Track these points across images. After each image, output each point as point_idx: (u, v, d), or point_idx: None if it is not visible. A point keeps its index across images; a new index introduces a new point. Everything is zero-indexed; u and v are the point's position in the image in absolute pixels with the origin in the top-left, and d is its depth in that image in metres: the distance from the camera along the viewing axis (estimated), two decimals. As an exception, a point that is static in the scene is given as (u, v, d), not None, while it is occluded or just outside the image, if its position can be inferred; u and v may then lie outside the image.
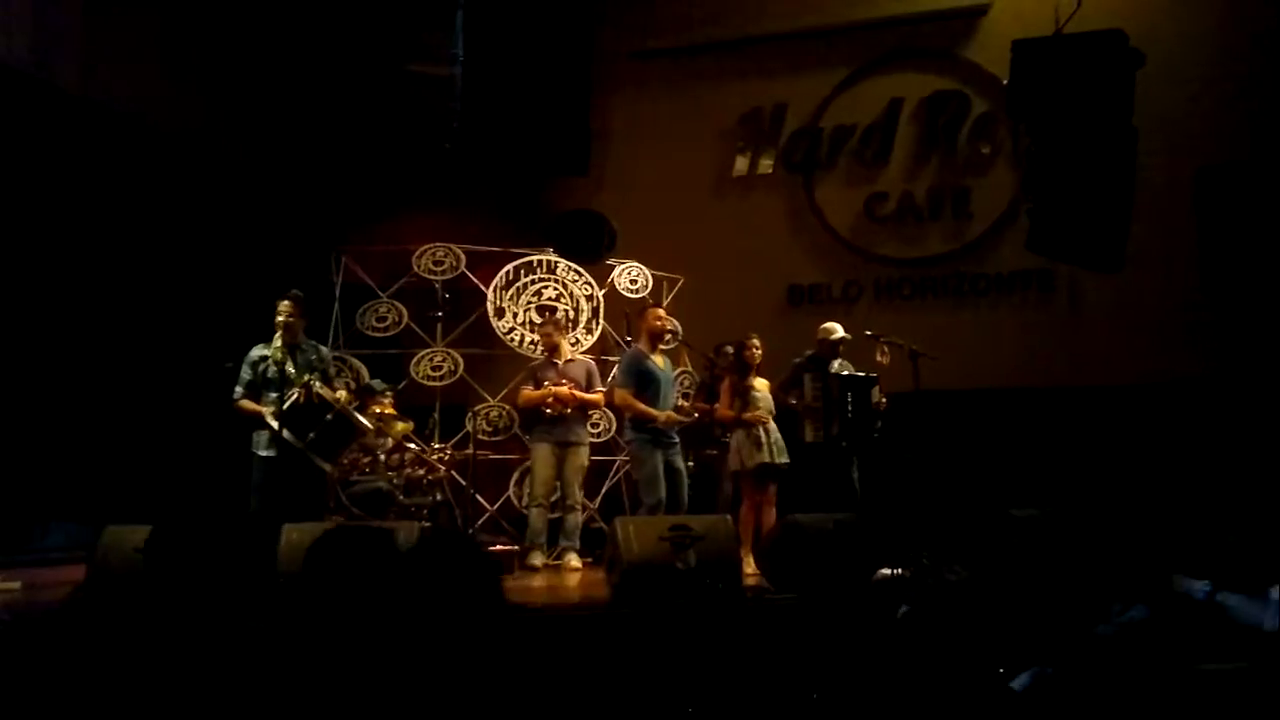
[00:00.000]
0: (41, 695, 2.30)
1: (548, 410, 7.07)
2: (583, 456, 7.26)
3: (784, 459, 6.93)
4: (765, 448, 6.87)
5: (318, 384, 5.81)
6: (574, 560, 7.06)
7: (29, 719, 2.29)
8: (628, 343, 7.67)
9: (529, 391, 7.18)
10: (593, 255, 8.71)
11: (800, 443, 7.06)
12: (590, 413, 7.61)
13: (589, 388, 7.27)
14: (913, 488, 6.62)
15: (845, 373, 7.11)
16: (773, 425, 7.00)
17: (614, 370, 7.19)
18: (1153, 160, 6.81)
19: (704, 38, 10.20)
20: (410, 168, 9.24)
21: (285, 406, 5.68)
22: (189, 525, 2.81)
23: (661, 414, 6.81)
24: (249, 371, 5.98)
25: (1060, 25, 5.97)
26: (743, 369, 7.05)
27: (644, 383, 6.85)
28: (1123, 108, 5.86)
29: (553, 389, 7.08)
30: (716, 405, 7.14)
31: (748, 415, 6.91)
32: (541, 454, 7.10)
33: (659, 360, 7.04)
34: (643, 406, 6.76)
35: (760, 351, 7.08)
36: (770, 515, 6.83)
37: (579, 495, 7.34)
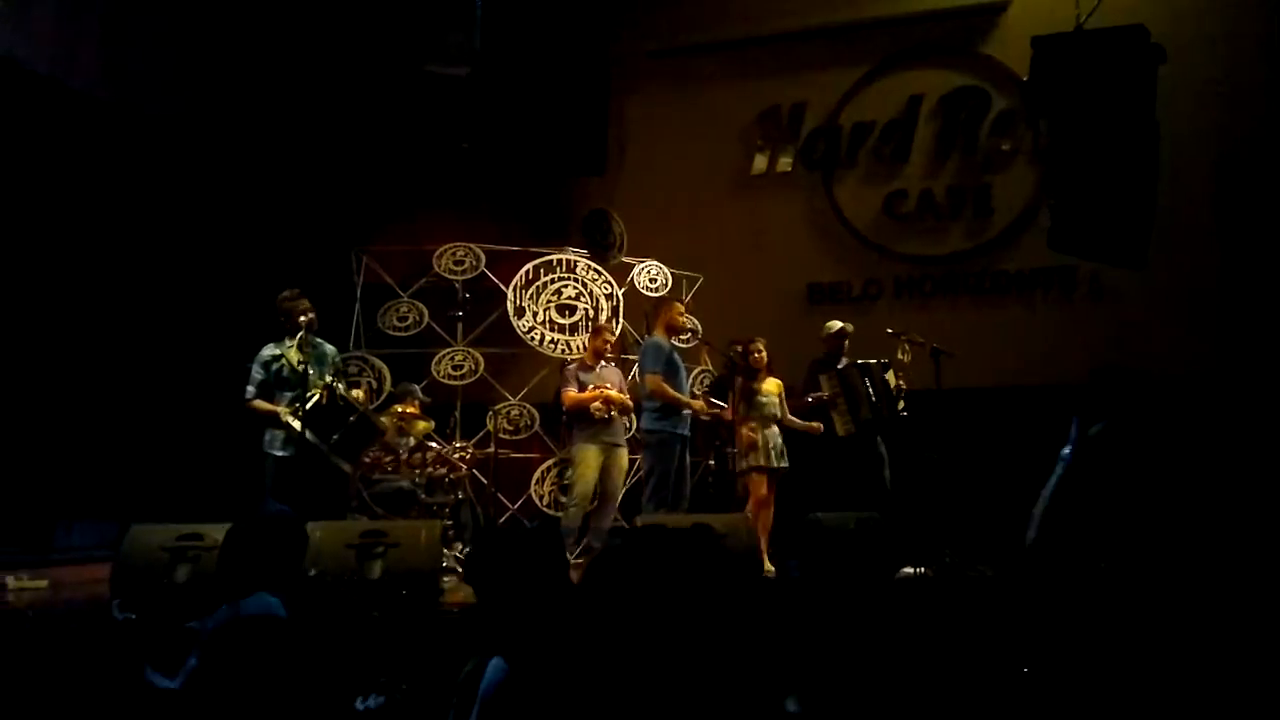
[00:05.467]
0: (67, 690, 2.31)
1: (596, 415, 7.06)
2: (624, 458, 7.28)
3: (782, 463, 7.01)
4: (761, 450, 6.93)
5: (341, 386, 5.81)
6: None
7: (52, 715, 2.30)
8: (649, 337, 7.68)
9: (574, 393, 7.14)
10: (598, 253, 8.71)
11: (834, 439, 7.08)
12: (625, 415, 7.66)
13: (622, 392, 7.30)
14: (934, 486, 6.60)
15: (858, 361, 7.16)
16: (774, 430, 7.04)
17: (639, 359, 7.16)
18: (1173, 155, 6.76)
19: (722, 36, 10.19)
20: (429, 168, 9.26)
21: (308, 407, 5.65)
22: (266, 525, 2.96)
23: (697, 403, 6.84)
24: (261, 371, 5.94)
25: (1081, 21, 5.94)
26: (748, 372, 7.08)
27: (672, 370, 6.86)
28: (1144, 103, 5.82)
29: (604, 392, 7.08)
30: (725, 409, 7.16)
31: (751, 420, 6.98)
32: (589, 456, 7.05)
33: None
34: (675, 394, 6.77)
35: (764, 355, 7.12)
36: (767, 517, 6.91)
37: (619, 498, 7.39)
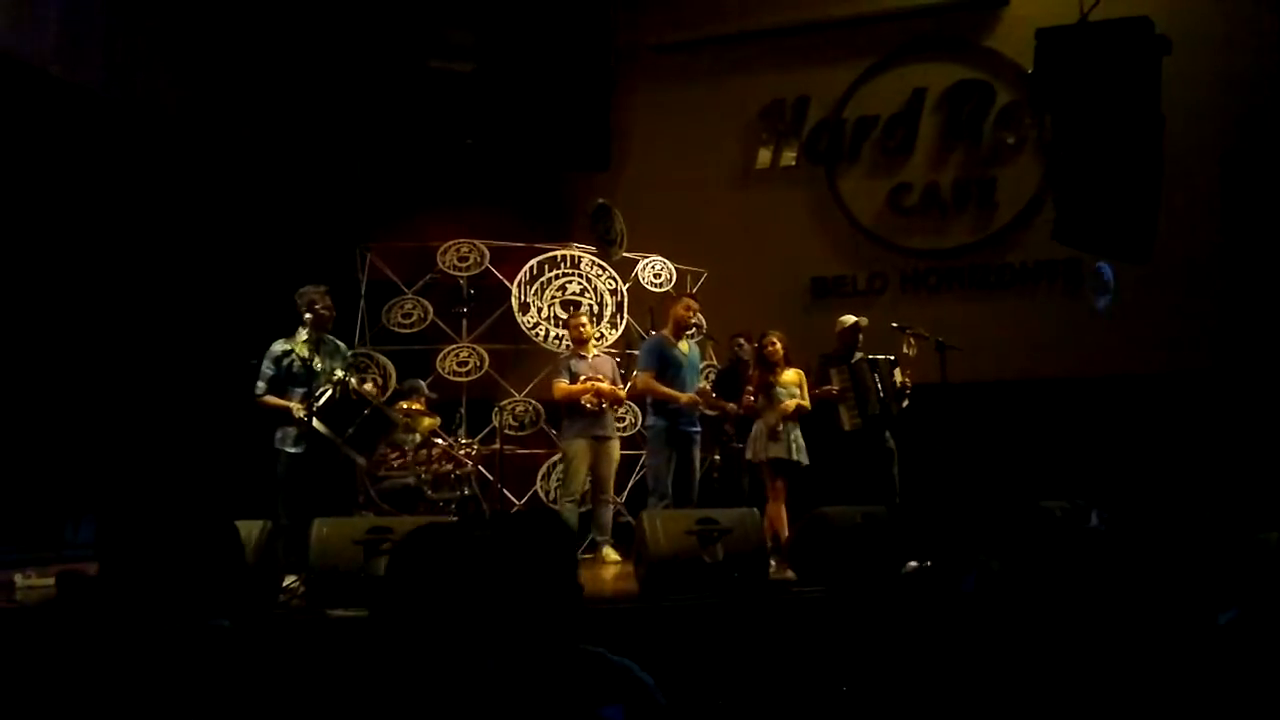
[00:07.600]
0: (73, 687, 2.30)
1: (588, 406, 7.04)
2: (615, 450, 7.26)
3: (800, 459, 6.96)
4: (782, 443, 6.89)
5: (354, 380, 5.79)
6: (612, 553, 7.06)
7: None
8: (651, 335, 7.69)
9: (565, 385, 7.13)
10: (601, 248, 8.70)
11: (840, 434, 7.07)
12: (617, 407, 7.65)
13: (615, 383, 7.28)
14: (940, 480, 6.60)
15: (868, 357, 7.17)
16: (794, 424, 7.01)
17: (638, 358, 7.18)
18: (1178, 148, 6.75)
19: (725, 30, 10.18)
20: (433, 164, 9.27)
21: (321, 402, 5.61)
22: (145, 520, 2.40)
23: (684, 395, 6.82)
24: (272, 367, 5.92)
25: (1085, 13, 5.91)
26: (765, 365, 7.06)
27: (665, 367, 6.85)
28: (1149, 96, 5.80)
29: (595, 384, 7.06)
30: (743, 400, 7.14)
31: (769, 412, 6.93)
32: (579, 449, 7.06)
33: (684, 347, 7.03)
34: (664, 389, 6.76)
35: (779, 347, 7.07)
36: (779, 510, 6.85)
37: (612, 489, 7.37)
